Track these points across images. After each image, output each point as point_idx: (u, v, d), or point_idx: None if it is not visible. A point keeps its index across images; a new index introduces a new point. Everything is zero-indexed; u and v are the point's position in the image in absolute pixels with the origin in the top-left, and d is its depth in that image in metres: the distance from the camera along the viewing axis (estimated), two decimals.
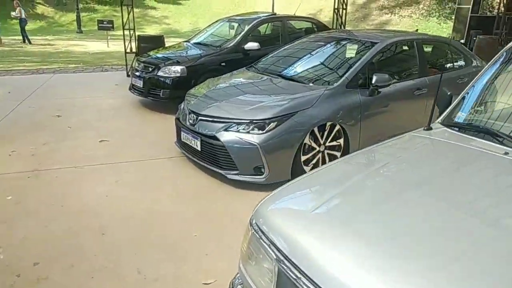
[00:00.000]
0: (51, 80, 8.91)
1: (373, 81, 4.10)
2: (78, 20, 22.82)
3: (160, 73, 6.37)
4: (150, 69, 6.51)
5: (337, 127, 4.04)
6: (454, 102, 2.47)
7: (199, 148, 4.05)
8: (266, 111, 3.81)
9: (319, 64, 4.69)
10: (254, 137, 3.70)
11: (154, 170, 4.32)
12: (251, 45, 6.77)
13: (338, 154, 4.16)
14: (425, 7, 21.89)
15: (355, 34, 5.22)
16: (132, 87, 6.91)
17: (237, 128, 3.78)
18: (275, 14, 7.64)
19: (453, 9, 20.84)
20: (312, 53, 4.97)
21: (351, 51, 4.69)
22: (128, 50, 9.58)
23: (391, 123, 4.57)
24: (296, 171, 3.89)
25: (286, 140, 3.75)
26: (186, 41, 7.78)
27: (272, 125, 3.71)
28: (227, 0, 28.10)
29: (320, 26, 8.17)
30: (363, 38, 4.85)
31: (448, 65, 5.30)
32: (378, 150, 2.26)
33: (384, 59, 4.60)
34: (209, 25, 8.20)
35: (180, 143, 4.47)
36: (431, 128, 2.31)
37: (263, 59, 5.35)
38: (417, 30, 17.11)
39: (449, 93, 2.55)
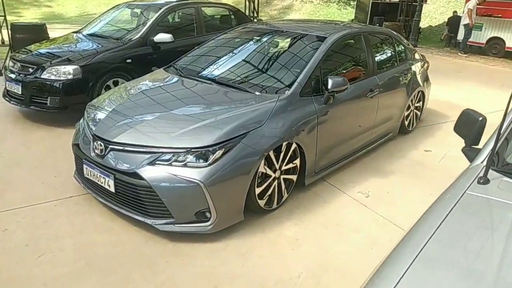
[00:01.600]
0: None
1: (329, 86, 3.35)
2: None
3: (45, 75, 4.88)
4: (31, 70, 4.97)
5: (293, 145, 3.22)
6: (498, 132, 1.77)
7: (112, 189, 2.91)
8: (208, 134, 2.81)
9: (261, 66, 3.79)
10: (195, 172, 2.69)
11: (45, 224, 3.04)
12: (162, 36, 5.59)
13: (294, 177, 3.36)
14: None
15: (296, 27, 4.42)
16: (7, 94, 5.27)
17: (169, 161, 2.73)
18: None
19: None
20: (249, 51, 4.05)
21: (296, 48, 3.87)
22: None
23: (348, 132, 3.91)
24: (250, 208, 3.00)
25: (237, 172, 2.81)
26: (76, 32, 6.25)
27: (219, 153, 2.74)
28: None
29: (237, 14, 7.24)
30: (307, 31, 4.06)
31: (393, 60, 4.80)
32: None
33: (331, 58, 3.86)
34: (105, 12, 6.75)
35: (83, 179, 3.25)
36: (488, 181, 1.57)
37: (185, 58, 4.28)
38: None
39: (481, 118, 1.85)
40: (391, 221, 3.17)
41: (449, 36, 13.86)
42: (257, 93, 3.32)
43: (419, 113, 5.35)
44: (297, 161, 3.31)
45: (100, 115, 3.27)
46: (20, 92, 5.01)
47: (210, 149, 2.73)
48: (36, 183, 3.62)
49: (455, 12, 14.17)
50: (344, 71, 4.02)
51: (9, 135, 4.73)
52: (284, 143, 3.09)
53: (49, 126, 5.01)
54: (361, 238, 2.94)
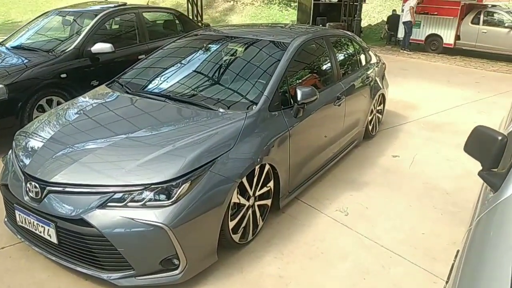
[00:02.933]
0: None
1: (299, 98, 3.03)
2: None
3: None
4: None
5: (267, 167, 2.86)
6: None
7: (55, 240, 2.37)
8: (169, 164, 2.35)
9: (221, 78, 3.38)
10: (157, 214, 2.23)
11: None
12: (101, 46, 4.99)
13: (268, 202, 2.99)
14: None
15: (251, 32, 4.05)
16: None
17: (123, 201, 2.25)
18: (124, 4, 5.92)
19: None
20: (205, 61, 3.62)
21: (256, 56, 3.51)
22: None
23: (319, 144, 3.62)
24: (222, 244, 2.59)
25: (207, 207, 2.38)
26: None
27: (184, 187, 2.30)
28: None
29: (182, 18, 6.74)
30: (265, 37, 3.71)
31: (355, 64, 4.59)
32: None
33: (295, 66, 3.53)
34: (32, 21, 5.98)
35: (16, 226, 2.66)
36: None
37: (131, 71, 3.75)
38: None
39: (501, 137, 1.60)
40: (377, 243, 2.90)
41: (390, 35, 14.23)
42: (220, 110, 2.91)
43: (380, 116, 5.21)
44: (271, 184, 2.95)
45: (33, 146, 2.70)
46: None
47: (173, 183, 2.29)
48: None
49: (394, 10, 14.57)
50: (310, 79, 3.73)
51: None
52: (257, 166, 2.72)
53: None
54: (350, 267, 2.64)
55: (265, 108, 2.93)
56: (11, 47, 5.25)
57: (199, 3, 9.23)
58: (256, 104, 2.93)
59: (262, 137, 2.81)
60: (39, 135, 2.80)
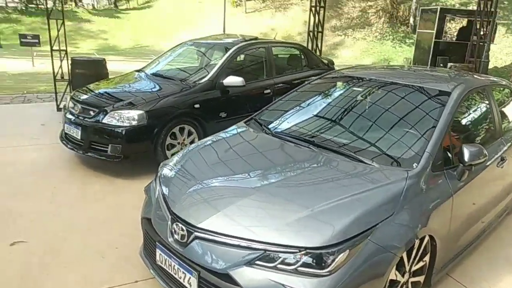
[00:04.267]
0: None
1: (466, 158, 2.60)
2: None
3: (107, 120, 4.42)
4: (92, 114, 4.53)
5: (426, 238, 2.45)
6: None
7: None
8: (325, 227, 2.08)
9: (370, 126, 3.08)
10: (312, 283, 1.96)
11: None
12: (233, 80, 5.05)
13: (421, 279, 2.56)
14: (378, 30, 21.56)
15: (398, 75, 3.72)
16: (65, 137, 4.86)
17: (273, 262, 2.03)
18: (256, 38, 6.02)
19: (406, 32, 20.75)
20: (348, 105, 3.37)
21: (411, 104, 3.15)
22: (58, 77, 7.41)
23: (478, 211, 3.09)
24: None
25: (364, 280, 2.06)
26: (139, 71, 5.85)
27: (343, 255, 2.01)
28: (172, 16, 26.14)
29: (307, 53, 6.65)
30: (417, 82, 3.34)
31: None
32: None
33: (456, 118, 3.09)
34: (169, 50, 6.35)
35: (153, 263, 2.60)
36: None
37: (268, 110, 3.64)
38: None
39: None
40: None
41: None
42: (375, 165, 2.60)
43: None
44: (427, 257, 2.53)
45: (179, 183, 2.65)
46: (79, 137, 4.57)
47: (330, 250, 2.01)
48: (94, 258, 3.03)
49: None
50: (471, 135, 3.25)
51: (65, 187, 4.23)
52: (417, 240, 2.33)
53: (108, 176, 4.50)
54: None
55: (427, 167, 2.55)
56: (151, 73, 5.58)
57: (319, 37, 9.12)
58: (418, 162, 2.56)
59: (424, 202, 2.42)
60: (184, 172, 2.76)
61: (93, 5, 29.06)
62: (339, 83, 3.75)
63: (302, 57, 6.54)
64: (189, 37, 7.39)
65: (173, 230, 2.36)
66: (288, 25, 23.61)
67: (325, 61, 6.93)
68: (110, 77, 7.23)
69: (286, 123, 3.34)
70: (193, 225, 2.25)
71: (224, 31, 20.30)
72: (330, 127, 3.16)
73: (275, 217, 2.19)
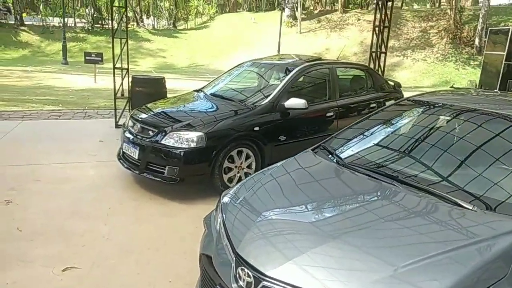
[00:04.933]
0: (15, 131, 6.77)
1: None
2: (64, 50, 20.94)
3: (166, 141, 4.29)
4: (151, 134, 4.43)
5: None
6: None
7: None
8: None
9: (464, 161, 2.65)
10: None
11: None
12: (295, 102, 4.78)
13: None
14: (439, 51, 20.59)
15: (488, 101, 3.26)
16: (123, 157, 4.80)
17: None
18: (319, 58, 5.74)
19: (471, 54, 19.63)
20: (433, 135, 2.96)
21: (507, 137, 2.69)
22: (118, 94, 7.54)
23: None
24: None
25: None
26: (198, 91, 5.75)
27: None
28: (227, 36, 26.65)
29: (372, 74, 6.26)
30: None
31: None
32: None
33: None
34: (228, 71, 6.22)
35: None
36: None
37: (339, 137, 3.30)
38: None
39: None
40: None
41: None
42: (475, 209, 2.18)
43: None
44: None
45: (245, 219, 2.37)
46: (136, 157, 4.47)
47: None
48: None
49: None
50: None
51: (120, 208, 4.12)
52: None
53: (162, 198, 4.35)
54: None
55: None
56: (210, 94, 5.45)
57: (382, 58, 8.68)
58: None
59: None
60: (249, 206, 2.48)
61: (153, 25, 30.33)
62: (419, 110, 3.34)
63: (367, 78, 6.16)
64: (243, 57, 7.29)
65: (237, 275, 2.07)
66: (343, 45, 23.19)
67: (391, 83, 6.50)
68: (168, 95, 7.26)
69: (360, 153, 2.98)
70: (262, 273, 1.95)
71: (278, 51, 20.28)
72: (414, 160, 2.76)
73: (354, 274, 1.84)
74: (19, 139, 6.30)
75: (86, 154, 5.71)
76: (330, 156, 2.96)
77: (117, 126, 7.29)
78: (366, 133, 3.22)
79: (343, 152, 3.01)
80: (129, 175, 4.91)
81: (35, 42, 25.20)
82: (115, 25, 7.59)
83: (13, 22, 26.96)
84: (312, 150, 3.17)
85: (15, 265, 3.03)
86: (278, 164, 3.00)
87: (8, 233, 3.48)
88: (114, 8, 8.02)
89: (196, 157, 4.27)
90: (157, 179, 4.35)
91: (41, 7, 28.34)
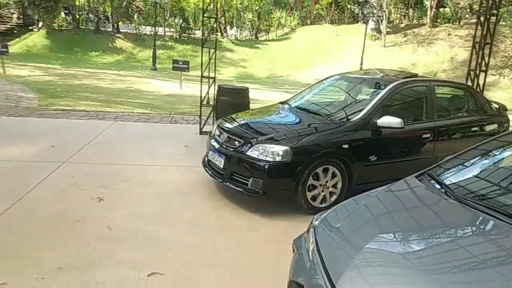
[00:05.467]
0: (108, 130, 7.21)
1: None
2: (154, 57, 22.29)
3: (251, 152, 4.22)
4: (238, 144, 4.40)
5: None
6: None
7: None
8: None
9: None
10: None
11: None
12: (390, 120, 4.46)
13: None
14: None
15: None
16: (208, 164, 4.83)
17: None
18: (416, 75, 5.35)
19: None
20: None
21: None
22: (204, 102, 7.72)
23: None
24: None
25: None
26: (283, 103, 5.65)
27: None
28: (308, 48, 26.55)
29: (475, 96, 5.69)
30: None
31: None
32: None
33: None
34: (315, 83, 6.06)
35: None
36: None
37: (447, 164, 2.95)
38: None
39: None
40: None
41: None
42: None
43: None
44: None
45: (342, 248, 2.17)
46: (221, 166, 4.46)
47: None
48: None
49: None
50: None
51: (203, 217, 4.12)
52: None
53: (244, 210, 4.29)
54: None
55: None
56: (296, 107, 5.32)
57: (481, 77, 7.95)
58: None
59: None
60: (348, 234, 2.28)
61: (235, 36, 31.24)
62: None
63: (468, 98, 5.62)
64: (324, 70, 7.10)
65: None
66: (431, 61, 21.91)
67: (495, 106, 5.87)
68: (251, 105, 7.28)
69: (475, 185, 2.63)
70: None
71: (361, 64, 19.70)
72: None
73: None
74: (112, 139, 6.68)
75: (172, 158, 5.87)
76: (439, 186, 2.65)
77: (201, 132, 7.45)
78: (481, 163, 2.85)
79: (453, 182, 2.68)
80: (211, 183, 4.93)
81: (128, 49, 27.20)
82: (199, 35, 7.80)
83: (110, 29, 29.37)
84: (417, 177, 2.87)
85: (104, 264, 3.12)
86: (378, 190, 2.75)
87: (100, 231, 3.62)
88: (204, 19, 8.27)
89: (280, 172, 4.15)
90: (240, 189, 4.30)
91: (135, 16, 30.57)
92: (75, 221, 3.75)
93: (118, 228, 3.71)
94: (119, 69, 20.96)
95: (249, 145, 4.27)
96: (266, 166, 4.12)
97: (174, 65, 14.59)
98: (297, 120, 4.88)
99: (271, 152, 4.14)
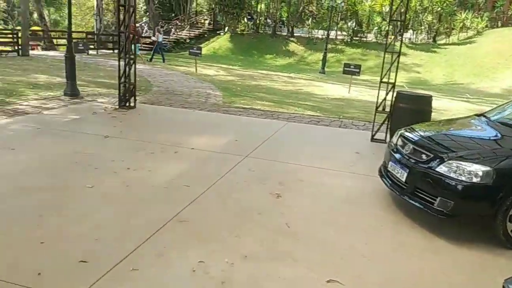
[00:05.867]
0: (282, 130, 7.55)
1: None
2: (324, 60, 22.55)
3: (442, 169, 3.81)
4: (425, 158, 4.03)
5: None
6: None
7: None
8: None
9: None
10: None
11: None
12: None
13: None
14: None
15: None
16: (386, 175, 4.57)
17: None
18: None
19: None
20: None
21: None
22: (379, 108, 7.40)
23: None
24: None
25: None
26: (479, 115, 4.96)
27: None
28: (496, 53, 23.13)
29: None
30: None
31: None
32: None
33: None
34: None
35: None
36: None
37: None
38: None
39: None
40: None
41: None
42: None
43: None
44: None
45: None
46: (403, 179, 4.15)
47: None
48: None
49: None
50: None
51: (378, 230, 3.90)
52: None
53: (425, 230, 3.91)
54: None
55: None
56: (497, 121, 4.60)
57: None
58: None
59: None
60: None
61: (410, 39, 29.30)
62: None
63: None
64: None
65: None
66: None
67: None
68: (432, 115, 6.67)
69: None
70: None
71: None
72: None
73: None
74: (285, 139, 6.97)
75: (343, 163, 5.78)
76: None
77: (372, 139, 7.17)
78: None
79: None
80: (386, 194, 4.66)
81: (300, 52, 28.22)
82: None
83: (285, 33, 30.95)
84: None
85: (283, 259, 3.22)
86: None
87: (279, 227, 3.76)
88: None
89: (478, 195, 3.64)
90: (423, 208, 3.93)
91: (309, 20, 31.49)
92: (257, 213, 3.99)
93: (294, 226, 3.80)
94: (289, 71, 21.90)
95: (439, 160, 3.87)
96: (461, 187, 3.66)
97: (345, 68, 14.46)
98: (498, 137, 4.23)
99: (468, 171, 3.66)
